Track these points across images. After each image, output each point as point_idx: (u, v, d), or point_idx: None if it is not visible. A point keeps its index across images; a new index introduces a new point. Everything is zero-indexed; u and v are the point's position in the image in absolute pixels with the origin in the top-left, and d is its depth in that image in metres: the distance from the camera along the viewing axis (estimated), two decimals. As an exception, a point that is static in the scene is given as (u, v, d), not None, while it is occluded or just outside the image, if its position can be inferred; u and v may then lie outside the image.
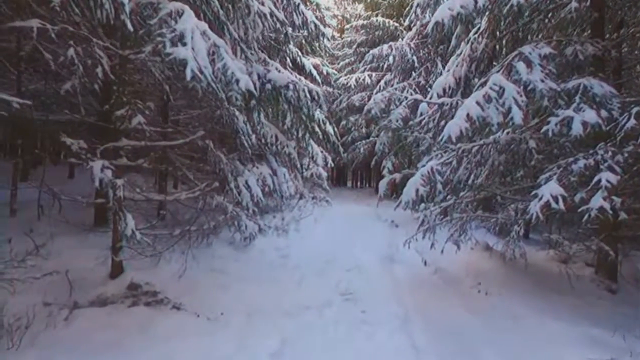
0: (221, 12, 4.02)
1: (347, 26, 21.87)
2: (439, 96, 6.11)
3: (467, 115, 3.99)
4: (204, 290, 4.14)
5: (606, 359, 3.16)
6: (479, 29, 5.74)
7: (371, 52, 12.76)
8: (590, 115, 3.83)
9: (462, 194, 4.88)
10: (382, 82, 14.05)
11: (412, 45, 11.99)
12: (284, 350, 3.16)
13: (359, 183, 32.92)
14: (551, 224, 6.47)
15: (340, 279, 5.33)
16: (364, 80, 17.18)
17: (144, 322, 3.18)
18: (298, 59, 13.98)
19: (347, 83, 17.55)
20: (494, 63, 6.19)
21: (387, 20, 16.42)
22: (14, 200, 5.47)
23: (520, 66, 4.16)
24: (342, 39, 24.76)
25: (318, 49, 16.64)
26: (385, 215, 11.70)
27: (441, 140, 3.96)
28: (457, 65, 6.14)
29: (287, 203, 10.97)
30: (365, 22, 17.87)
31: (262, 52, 10.37)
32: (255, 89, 4.30)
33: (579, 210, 3.37)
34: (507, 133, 4.44)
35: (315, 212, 11.98)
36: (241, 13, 3.95)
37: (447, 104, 5.53)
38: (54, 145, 10.89)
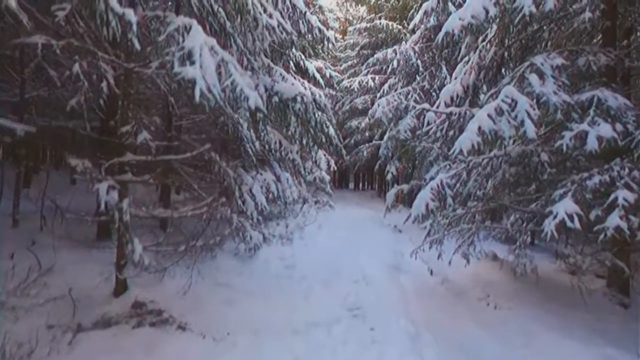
0: (228, 23, 3.94)
1: (350, 28, 21.80)
2: (447, 105, 6.03)
3: (479, 128, 3.90)
4: (209, 307, 4.06)
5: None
6: (486, 36, 5.65)
7: (375, 56, 12.70)
8: (605, 130, 3.74)
9: (470, 204, 4.79)
10: (385, 86, 13.96)
11: (417, 49, 11.90)
12: (293, 373, 3.08)
13: (361, 185, 32.87)
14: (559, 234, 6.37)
15: (348, 292, 5.25)
16: (367, 83, 17.10)
17: (149, 344, 3.10)
18: (302, 62, 13.92)
19: (350, 86, 17.47)
20: (503, 71, 6.11)
21: (390, 23, 16.33)
22: (16, 210, 5.41)
23: (533, 78, 4.08)
24: (344, 40, 24.68)
25: (321, 51, 16.58)
26: (388, 219, 11.64)
27: (452, 153, 3.88)
28: (465, 73, 6.05)
29: (290, 209, 10.92)
30: (368, 25, 17.78)
31: (266, 56, 10.29)
32: (263, 101, 4.24)
33: (595, 229, 3.28)
34: (519, 145, 4.35)
35: (319, 217, 11.90)
36: (249, 25, 3.87)
37: (456, 114, 5.45)
38: (56, 154, 10.85)
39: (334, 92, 20.07)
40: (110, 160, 3.45)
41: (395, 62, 11.71)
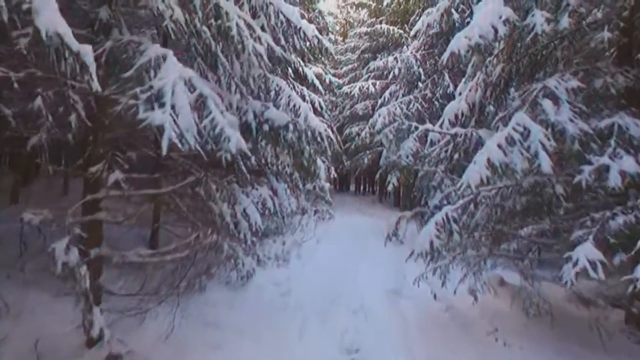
0: (213, 43, 3.59)
1: (351, 32, 21.48)
2: (451, 123, 5.68)
3: (488, 160, 3.55)
4: (195, 354, 3.73)
5: None
6: (492, 53, 5.30)
7: (376, 63, 12.35)
8: (628, 163, 3.39)
9: (477, 234, 4.45)
10: (386, 93, 13.62)
11: (418, 57, 11.55)
12: None
13: (362, 188, 32.48)
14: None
15: (346, 327, 4.90)
16: (367, 88, 16.76)
17: (121, 410, 2.77)
18: (300, 68, 13.59)
19: (350, 92, 17.12)
20: (510, 87, 5.76)
21: (391, 28, 15.97)
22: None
23: (547, 104, 3.73)
24: (345, 43, 24.35)
25: (320, 56, 16.26)
26: (389, 226, 11.29)
27: (459, 188, 3.53)
28: (470, 90, 5.70)
29: (289, 222, 10.56)
30: (368, 29, 17.43)
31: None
32: (252, 128, 3.89)
33: (622, 280, 2.93)
34: (531, 175, 4.00)
35: (318, 229, 11.56)
36: (236, 50, 3.52)
37: (461, 135, 5.10)
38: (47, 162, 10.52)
39: (334, 98, 19.75)
40: (83, 200, 3.11)
41: (396, 70, 11.37)
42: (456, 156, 5.01)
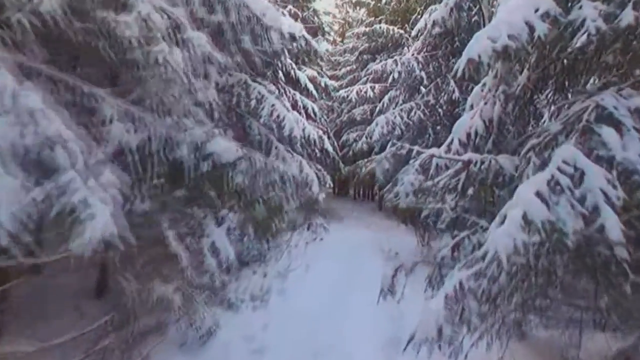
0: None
1: (349, 32, 20.42)
2: (462, 144, 4.57)
3: (524, 217, 2.44)
4: None
5: None
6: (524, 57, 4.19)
7: (374, 66, 11.27)
8: None
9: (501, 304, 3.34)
10: (385, 99, 12.50)
11: (420, 59, 10.44)
12: None
13: (361, 193, 31.28)
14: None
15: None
16: (365, 92, 15.64)
17: None
18: (292, 72, 12.52)
19: (347, 96, 16.00)
20: (536, 99, 4.65)
21: (391, 28, 14.86)
22: None
23: (608, 133, 2.61)
24: (344, 44, 23.29)
25: (308, 58, 15.16)
26: (389, 243, 10.36)
27: (484, 258, 2.43)
28: (486, 103, 4.59)
29: (274, 245, 9.43)
30: (367, 29, 16.32)
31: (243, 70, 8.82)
32: (183, 168, 2.78)
33: None
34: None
35: (309, 251, 10.44)
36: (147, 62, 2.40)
37: (476, 162, 3.98)
38: None
39: (329, 102, 18.68)
40: None
41: (395, 74, 10.28)
42: (470, 190, 3.90)
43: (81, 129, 2.02)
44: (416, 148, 3.86)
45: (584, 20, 2.83)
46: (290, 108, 11.41)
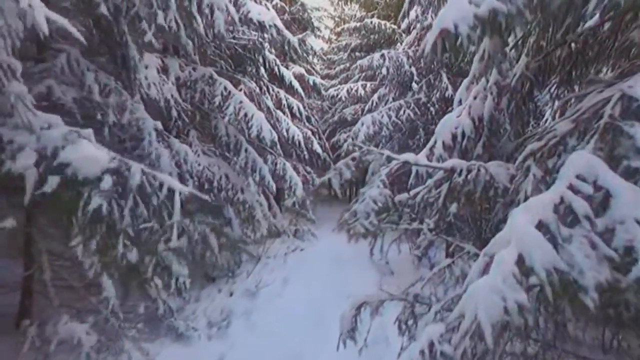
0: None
1: (338, 29, 19.65)
2: (446, 147, 3.75)
3: (519, 259, 1.61)
4: None
5: None
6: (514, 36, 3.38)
7: (359, 62, 10.42)
8: None
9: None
10: (375, 97, 11.70)
11: (411, 54, 9.62)
12: None
13: (355, 193, 30.52)
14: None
15: None
16: (356, 91, 14.83)
17: None
18: (276, 68, 11.72)
19: (337, 95, 15.19)
20: (536, 94, 3.84)
21: (383, 23, 14.04)
22: None
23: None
24: (338, 41, 22.53)
25: (302, 54, 14.36)
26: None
27: (459, 322, 1.60)
28: (475, 98, 3.77)
29: (251, 253, 8.61)
30: (358, 24, 15.52)
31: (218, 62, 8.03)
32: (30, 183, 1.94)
33: None
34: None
35: (290, 260, 9.62)
36: None
37: (461, 171, 3.15)
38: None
39: (319, 102, 17.91)
40: None
41: (384, 69, 9.47)
42: (453, 207, 3.08)
43: None
44: (386, 153, 3.03)
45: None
46: (272, 107, 10.56)
